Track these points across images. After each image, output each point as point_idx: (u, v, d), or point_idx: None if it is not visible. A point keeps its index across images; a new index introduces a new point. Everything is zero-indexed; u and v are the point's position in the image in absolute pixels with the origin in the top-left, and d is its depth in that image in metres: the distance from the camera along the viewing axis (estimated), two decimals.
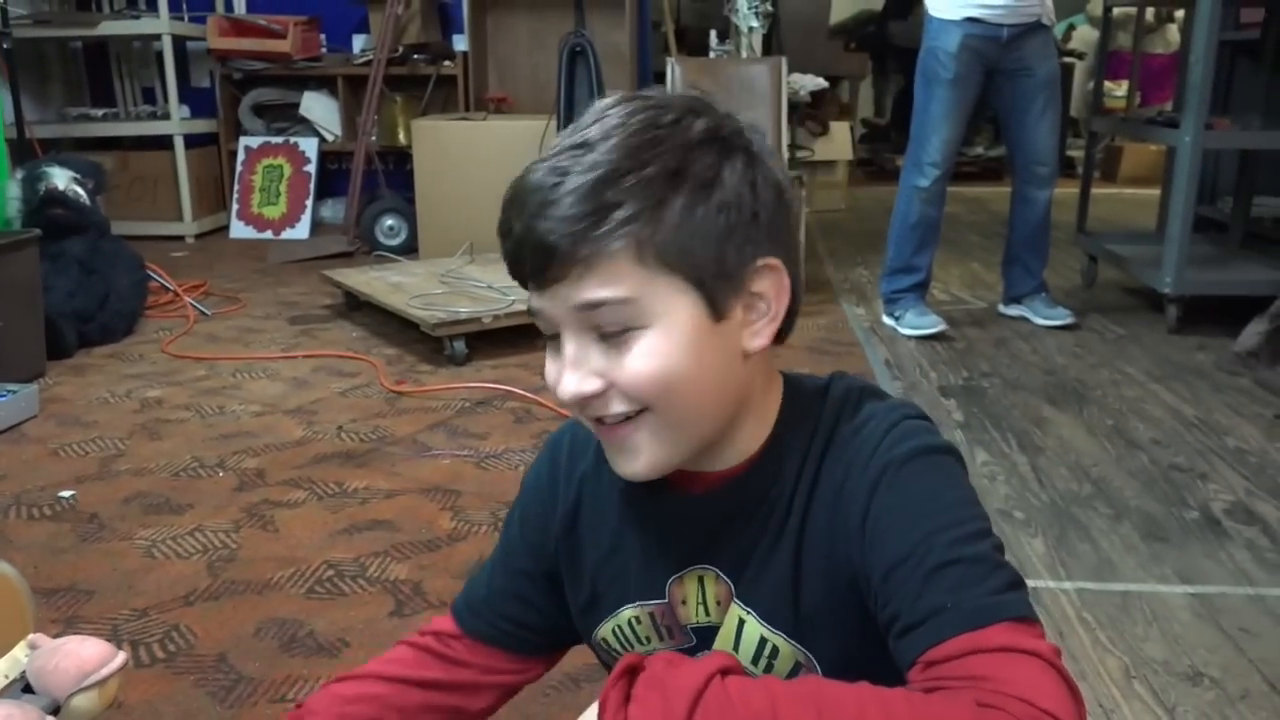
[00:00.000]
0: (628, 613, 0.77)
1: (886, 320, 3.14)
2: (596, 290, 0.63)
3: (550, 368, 0.68)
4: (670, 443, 0.67)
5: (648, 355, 0.64)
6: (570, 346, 0.66)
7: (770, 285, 0.68)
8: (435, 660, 0.83)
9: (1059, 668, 0.56)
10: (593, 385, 0.65)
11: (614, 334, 0.64)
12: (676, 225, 0.63)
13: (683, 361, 0.65)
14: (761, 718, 0.52)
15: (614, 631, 0.79)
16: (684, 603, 0.75)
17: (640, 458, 0.68)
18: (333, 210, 4.82)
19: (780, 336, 0.70)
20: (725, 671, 0.55)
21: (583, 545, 0.80)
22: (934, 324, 2.98)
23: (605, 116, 0.65)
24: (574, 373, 0.66)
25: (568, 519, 0.80)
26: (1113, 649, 1.42)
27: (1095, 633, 1.46)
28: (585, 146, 0.64)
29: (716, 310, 0.65)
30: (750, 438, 0.71)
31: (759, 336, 0.68)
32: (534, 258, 0.64)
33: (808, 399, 0.72)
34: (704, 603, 0.74)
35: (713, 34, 4.48)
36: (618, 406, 0.66)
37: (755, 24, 4.29)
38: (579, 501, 0.80)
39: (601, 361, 0.65)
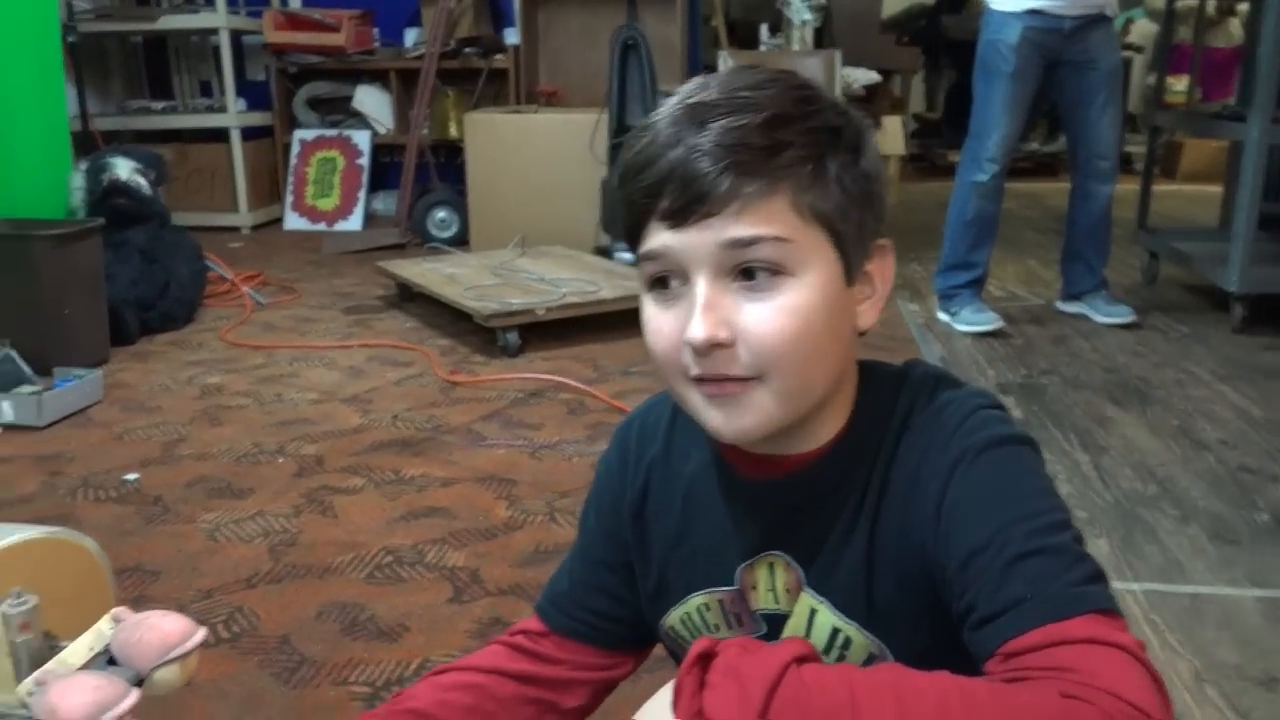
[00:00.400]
0: (696, 600, 0.77)
1: (942, 316, 3.09)
2: (752, 227, 0.62)
3: (661, 322, 0.66)
4: (781, 408, 0.65)
5: (790, 311, 0.63)
6: (706, 288, 0.63)
7: (880, 266, 0.69)
8: (527, 657, 0.83)
9: (1144, 661, 0.55)
10: (725, 333, 0.62)
11: (756, 279, 0.63)
12: (832, 181, 0.63)
13: (821, 321, 0.64)
14: (840, 707, 0.51)
15: (682, 620, 0.78)
16: (754, 588, 0.74)
17: (747, 417, 0.65)
18: (385, 203, 4.86)
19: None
20: (801, 660, 0.54)
21: (650, 532, 0.79)
22: (991, 320, 2.94)
23: (746, 72, 0.66)
24: (708, 315, 0.62)
25: (635, 505, 0.80)
26: (1182, 652, 1.38)
27: (1164, 635, 1.42)
28: (747, 90, 0.63)
29: (850, 275, 0.66)
30: (831, 422, 0.70)
31: (867, 315, 0.68)
32: (686, 189, 0.62)
33: (884, 386, 0.71)
34: (773, 589, 0.73)
35: (763, 27, 4.47)
36: (736, 366, 0.63)
37: (808, 17, 4.27)
38: (647, 487, 0.79)
39: (735, 311, 0.63)
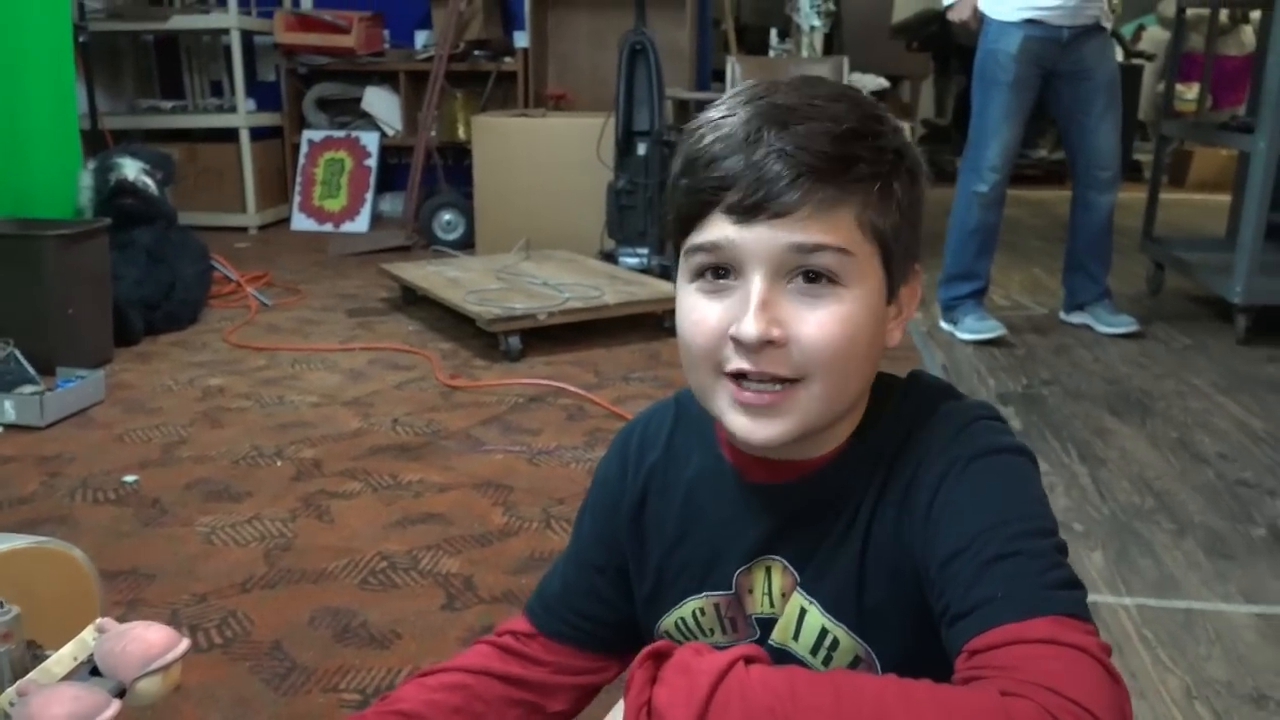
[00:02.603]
0: (692, 604, 0.78)
1: (944, 325, 3.09)
2: (819, 234, 0.63)
3: (705, 312, 0.66)
4: (817, 412, 0.66)
5: (842, 320, 0.64)
6: (763, 286, 0.63)
7: (911, 288, 0.71)
8: (514, 658, 0.84)
9: (1105, 664, 0.55)
10: (778, 331, 0.63)
11: (813, 285, 0.64)
12: (893, 201, 0.66)
13: (867, 332, 0.66)
14: (780, 698, 0.53)
15: (677, 624, 0.79)
16: (750, 592, 0.75)
17: (780, 424, 0.66)
18: (392, 204, 4.88)
19: None
20: (750, 660, 0.56)
21: (648, 537, 0.80)
22: (993, 329, 2.94)
23: (816, 82, 0.67)
24: (762, 314, 0.63)
25: (634, 510, 0.80)
26: (1174, 668, 1.38)
27: (1156, 651, 1.42)
28: (822, 100, 0.65)
29: (891, 293, 0.68)
30: (843, 430, 0.71)
31: (894, 334, 0.70)
32: (760, 186, 0.62)
33: (890, 396, 0.73)
34: (769, 594, 0.74)
35: (773, 33, 4.46)
36: (782, 366, 0.64)
37: (817, 23, 4.26)
38: (646, 493, 0.80)
39: (789, 312, 0.64)
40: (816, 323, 0.64)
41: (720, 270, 0.65)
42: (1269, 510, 1.88)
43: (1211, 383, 2.62)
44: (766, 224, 0.63)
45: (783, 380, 0.65)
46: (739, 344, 0.64)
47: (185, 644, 0.77)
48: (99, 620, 0.79)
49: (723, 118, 0.65)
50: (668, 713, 0.54)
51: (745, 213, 0.63)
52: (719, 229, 0.64)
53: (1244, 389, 2.56)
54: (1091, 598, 1.64)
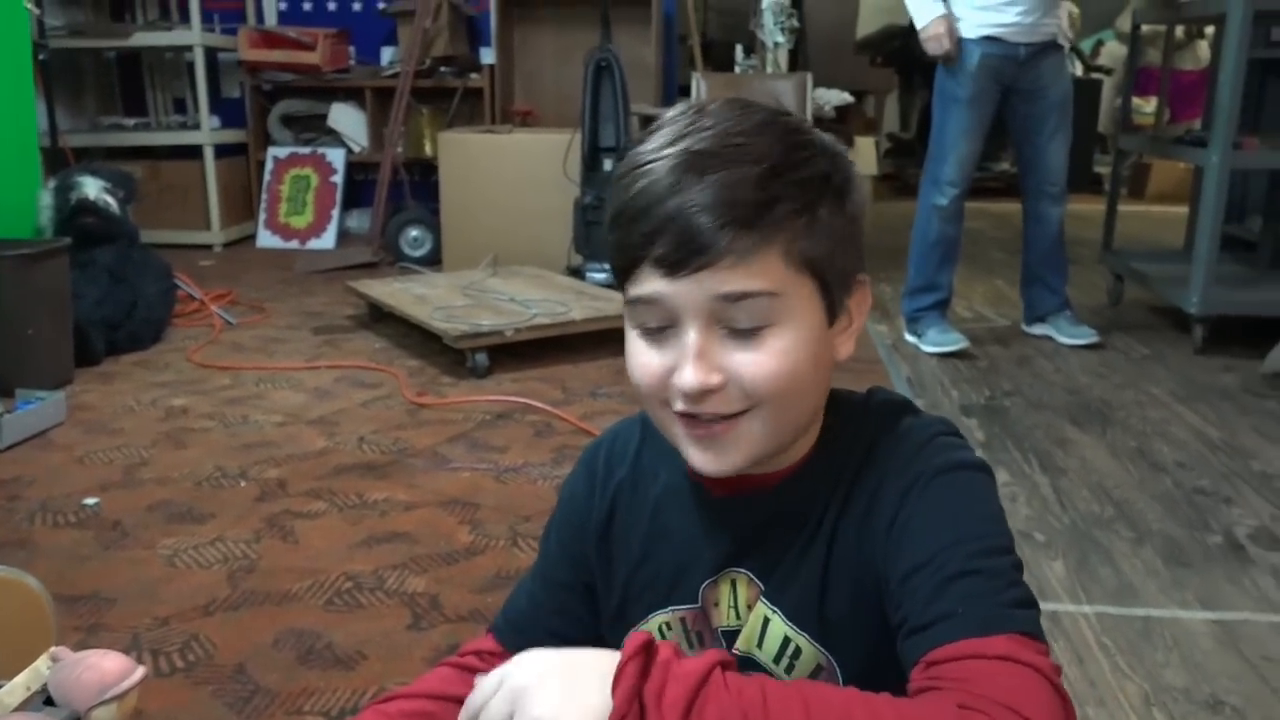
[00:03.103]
0: (659, 619, 0.78)
1: (909, 338, 3.13)
2: (745, 282, 0.63)
3: (649, 358, 0.67)
4: (768, 438, 0.68)
5: (779, 354, 0.65)
6: (697, 337, 0.65)
7: (858, 299, 0.71)
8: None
9: (1056, 685, 0.58)
10: (717, 379, 0.65)
11: (745, 329, 0.65)
12: (822, 229, 0.65)
13: (806, 362, 0.66)
14: (753, 705, 0.55)
15: None
16: (716, 605, 0.76)
17: (733, 454, 0.68)
18: (358, 221, 4.86)
19: None
20: (724, 665, 0.58)
21: (615, 553, 0.81)
22: (956, 341, 2.97)
23: (740, 111, 0.66)
24: (700, 364, 0.65)
25: (601, 527, 0.81)
26: (1132, 675, 1.40)
27: (1115, 658, 1.44)
28: (742, 136, 0.64)
29: (832, 315, 0.69)
30: (802, 445, 0.73)
31: (844, 346, 0.71)
32: (682, 242, 0.63)
33: (850, 411, 0.74)
34: (735, 606, 0.75)
35: (738, 49, 4.49)
36: (727, 405, 0.66)
37: (781, 39, 4.30)
38: (613, 510, 0.81)
39: (726, 356, 0.65)
40: (754, 362, 0.65)
41: (658, 321, 0.67)
42: (1225, 518, 1.91)
43: (1170, 392, 2.66)
44: (693, 276, 0.63)
45: (728, 417, 0.67)
46: (681, 391, 0.66)
47: (141, 672, 0.77)
48: (53, 649, 0.79)
49: (648, 163, 0.65)
50: (654, 709, 0.55)
51: (672, 267, 0.64)
52: (651, 283, 0.65)
53: (1201, 398, 2.61)
54: (1052, 606, 1.67)
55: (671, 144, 0.65)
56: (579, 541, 0.82)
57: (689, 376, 0.65)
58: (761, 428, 0.67)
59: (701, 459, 0.69)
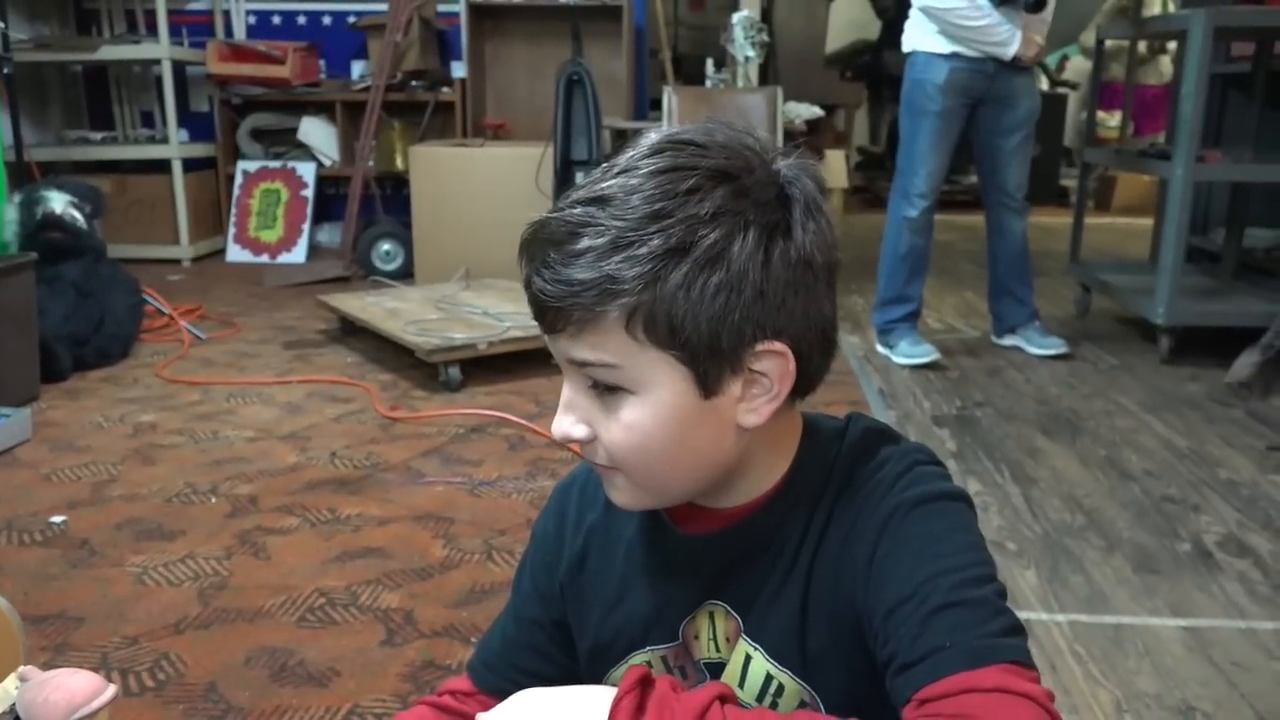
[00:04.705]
0: (639, 658, 0.77)
1: (880, 349, 3.15)
2: (585, 351, 0.64)
3: (562, 393, 0.71)
4: (646, 494, 0.70)
5: (628, 426, 0.65)
6: (566, 390, 0.68)
7: (773, 367, 0.66)
8: (452, 718, 0.83)
9: (1051, 711, 0.57)
10: (580, 432, 0.67)
11: (604, 390, 0.66)
12: (670, 302, 0.62)
13: (662, 436, 0.65)
14: None
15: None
16: (696, 638, 0.75)
17: (622, 495, 0.71)
18: (329, 235, 4.83)
19: (803, 392, 0.70)
20: (724, 699, 0.58)
21: (587, 595, 0.80)
22: (927, 353, 2.99)
23: (634, 168, 0.64)
24: (565, 415, 0.68)
25: (574, 568, 0.80)
26: (1104, 682, 1.41)
27: (1087, 665, 1.46)
28: (604, 202, 0.63)
29: (707, 388, 0.65)
30: (764, 477, 0.71)
31: (756, 414, 0.67)
32: (534, 306, 0.66)
33: (825, 440, 0.73)
34: (714, 638, 0.75)
35: (709, 63, 4.52)
36: (596, 457, 0.69)
37: (751, 53, 4.33)
38: (586, 552, 0.80)
39: (591, 412, 0.67)
40: (607, 429, 0.67)
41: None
42: (1193, 525, 1.94)
43: (1138, 401, 2.70)
44: (553, 337, 0.66)
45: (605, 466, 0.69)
46: None
47: (111, 691, 0.76)
48: (21, 669, 0.77)
49: (550, 214, 0.66)
50: None
51: (540, 324, 0.67)
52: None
53: (1168, 407, 2.65)
54: (1025, 615, 1.68)
55: (569, 200, 0.65)
56: (550, 581, 0.82)
57: (555, 425, 0.68)
58: (630, 485, 0.69)
59: (606, 490, 0.72)
